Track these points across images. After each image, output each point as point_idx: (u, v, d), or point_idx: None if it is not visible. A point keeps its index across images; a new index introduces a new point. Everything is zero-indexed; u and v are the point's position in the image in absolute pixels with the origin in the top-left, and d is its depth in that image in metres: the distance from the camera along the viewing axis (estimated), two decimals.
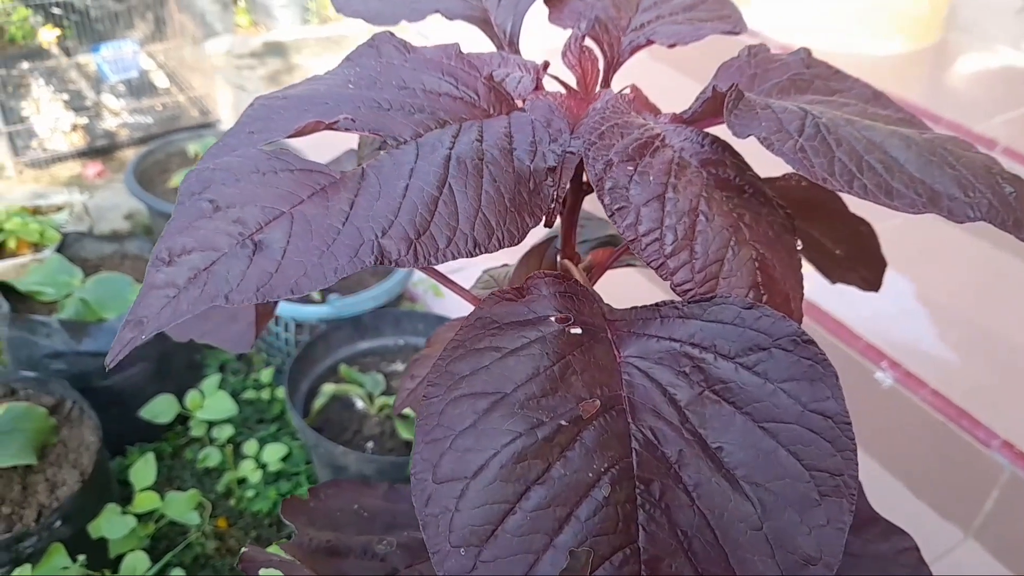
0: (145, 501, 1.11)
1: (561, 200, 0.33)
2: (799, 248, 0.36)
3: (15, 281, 1.32)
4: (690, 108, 0.35)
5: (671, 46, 0.41)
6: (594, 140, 0.32)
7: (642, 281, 1.42)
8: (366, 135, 0.32)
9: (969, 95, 2.09)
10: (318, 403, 1.20)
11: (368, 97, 0.33)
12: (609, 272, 0.45)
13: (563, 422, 0.29)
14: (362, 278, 1.48)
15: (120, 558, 1.06)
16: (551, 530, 0.27)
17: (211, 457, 1.28)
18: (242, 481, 1.27)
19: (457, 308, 1.49)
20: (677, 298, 0.32)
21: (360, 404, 1.23)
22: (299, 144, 1.50)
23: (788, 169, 0.33)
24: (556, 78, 0.40)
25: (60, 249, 1.44)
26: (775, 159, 0.31)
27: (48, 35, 2.36)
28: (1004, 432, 1.16)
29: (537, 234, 0.47)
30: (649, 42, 0.42)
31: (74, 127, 2.10)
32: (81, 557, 0.99)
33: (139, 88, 2.21)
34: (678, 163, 0.33)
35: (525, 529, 0.27)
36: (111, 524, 1.04)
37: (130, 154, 2.06)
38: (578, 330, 0.31)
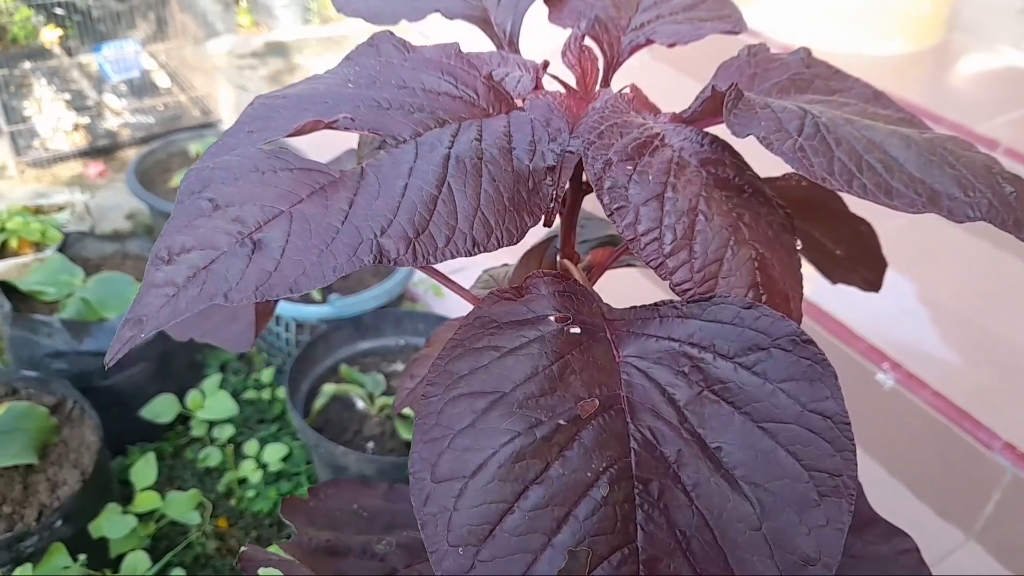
0: (146, 501, 1.11)
1: (560, 199, 0.33)
2: (799, 248, 0.36)
3: (17, 281, 1.32)
4: (690, 108, 0.35)
5: (671, 45, 0.41)
6: (593, 139, 0.32)
7: (642, 281, 1.42)
8: (365, 134, 0.32)
9: (971, 96, 2.09)
10: (319, 403, 1.20)
11: (367, 96, 0.33)
12: (609, 272, 0.45)
13: (562, 421, 0.29)
14: (363, 278, 1.48)
15: (121, 558, 1.06)
16: (549, 530, 0.27)
17: (212, 457, 1.28)
18: (243, 481, 1.27)
19: (458, 308, 1.49)
20: (676, 298, 0.32)
21: (361, 404, 1.23)
22: (300, 144, 1.51)
23: (788, 169, 0.33)
24: (556, 77, 0.40)
25: (62, 249, 1.44)
26: (775, 159, 0.31)
27: (50, 35, 2.36)
28: (1006, 434, 1.16)
29: (537, 234, 0.47)
30: (649, 41, 0.42)
31: (76, 127, 2.10)
32: (82, 557, 0.99)
33: (141, 88, 2.21)
34: (677, 162, 0.33)
35: (523, 529, 0.27)
36: (112, 524, 1.04)
37: (132, 154, 2.06)
38: (577, 330, 0.31)
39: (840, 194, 0.45)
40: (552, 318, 0.32)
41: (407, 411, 0.97)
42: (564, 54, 0.41)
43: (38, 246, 1.49)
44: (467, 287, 0.44)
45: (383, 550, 0.49)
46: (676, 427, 0.30)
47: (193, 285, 0.27)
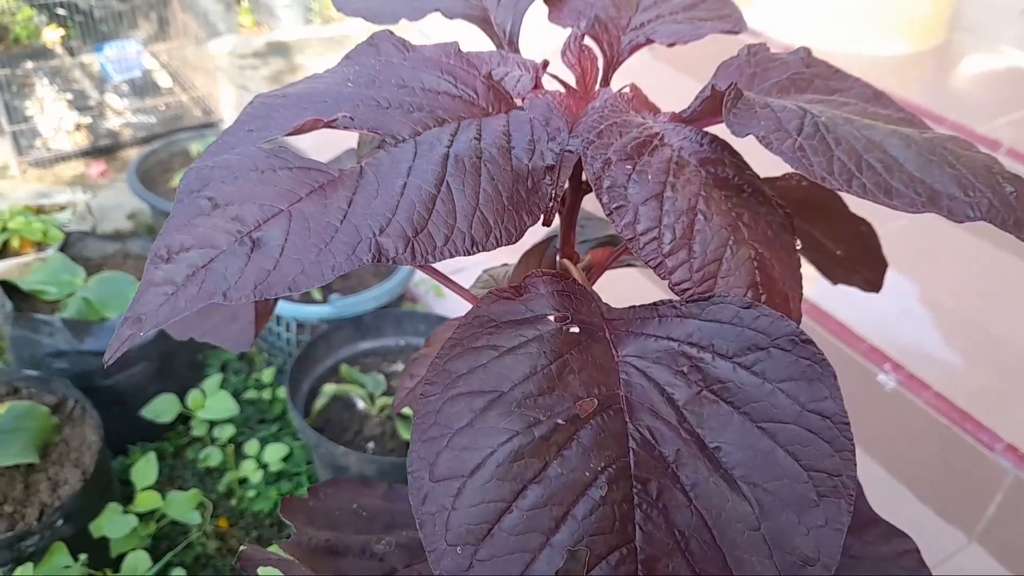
0: (146, 500, 1.11)
1: (559, 199, 0.33)
2: (798, 248, 0.36)
3: (18, 280, 1.32)
4: (689, 107, 0.35)
5: (671, 45, 0.41)
6: (592, 139, 0.32)
7: (643, 281, 1.42)
8: (365, 133, 0.32)
9: (973, 96, 2.09)
10: (319, 403, 1.20)
11: (367, 95, 0.33)
12: (609, 272, 0.44)
13: (560, 421, 0.28)
14: (364, 278, 1.48)
15: (121, 557, 1.06)
16: (547, 529, 0.27)
17: (212, 457, 1.28)
18: (243, 481, 1.27)
19: (458, 309, 1.49)
20: (675, 297, 0.32)
21: (361, 404, 1.23)
22: (301, 144, 1.51)
23: (788, 169, 0.33)
24: (555, 77, 0.40)
25: (63, 248, 1.44)
26: (776, 159, 0.31)
27: (52, 35, 2.37)
28: (1008, 435, 1.16)
29: (538, 234, 0.47)
30: (649, 41, 0.42)
31: (78, 126, 2.11)
32: (82, 556, 0.99)
33: (142, 88, 2.21)
34: (677, 162, 0.33)
35: (521, 528, 0.27)
36: (112, 523, 1.05)
37: (133, 154, 2.07)
38: (576, 329, 0.31)
39: (840, 194, 0.45)
40: (551, 317, 0.32)
41: (407, 411, 0.97)
42: (564, 53, 0.41)
43: (40, 246, 1.49)
44: (467, 287, 0.44)
45: (382, 550, 0.49)
46: (675, 427, 0.30)
47: (192, 284, 0.27)
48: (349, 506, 0.52)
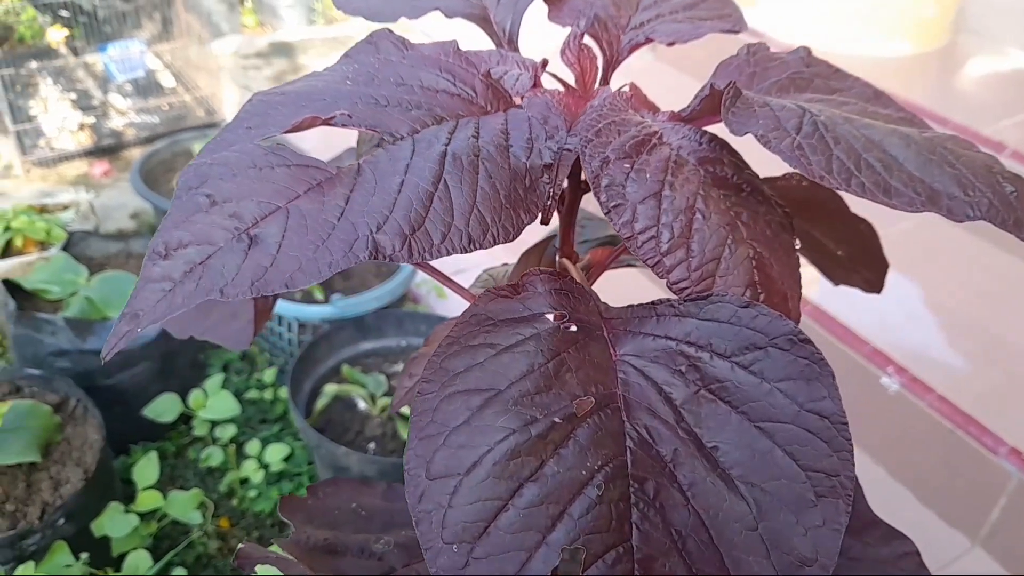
0: (148, 500, 1.11)
1: (558, 197, 0.33)
2: (798, 247, 0.35)
3: (21, 279, 1.32)
4: (688, 106, 0.35)
5: (670, 44, 0.41)
6: (591, 137, 0.32)
7: (643, 281, 1.42)
8: (363, 131, 0.32)
9: (978, 98, 2.08)
10: (320, 403, 1.20)
11: (365, 93, 0.33)
12: (609, 272, 0.44)
13: (557, 419, 0.28)
14: (365, 278, 1.48)
15: (122, 557, 1.06)
16: (544, 527, 0.27)
17: (214, 457, 1.28)
18: (244, 481, 1.27)
19: (460, 309, 1.49)
20: (674, 297, 0.32)
21: (362, 405, 1.23)
22: (304, 143, 1.51)
23: (789, 169, 0.33)
24: (555, 76, 0.40)
25: (66, 247, 1.45)
26: (777, 160, 0.31)
27: (56, 35, 2.38)
28: (1012, 439, 1.15)
29: (538, 234, 0.47)
30: (648, 40, 0.42)
31: (81, 126, 2.11)
32: (84, 555, 0.99)
33: (146, 88, 2.22)
34: (675, 161, 0.32)
35: (518, 526, 0.27)
36: (114, 522, 1.05)
37: (136, 153, 2.07)
38: (573, 327, 0.31)
39: (841, 194, 0.44)
40: (549, 316, 0.31)
41: (406, 410, 0.96)
42: (563, 52, 0.41)
43: (43, 245, 1.50)
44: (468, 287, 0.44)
45: (381, 549, 0.48)
46: (672, 426, 0.29)
47: (190, 280, 0.27)
48: (348, 505, 0.52)
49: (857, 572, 0.47)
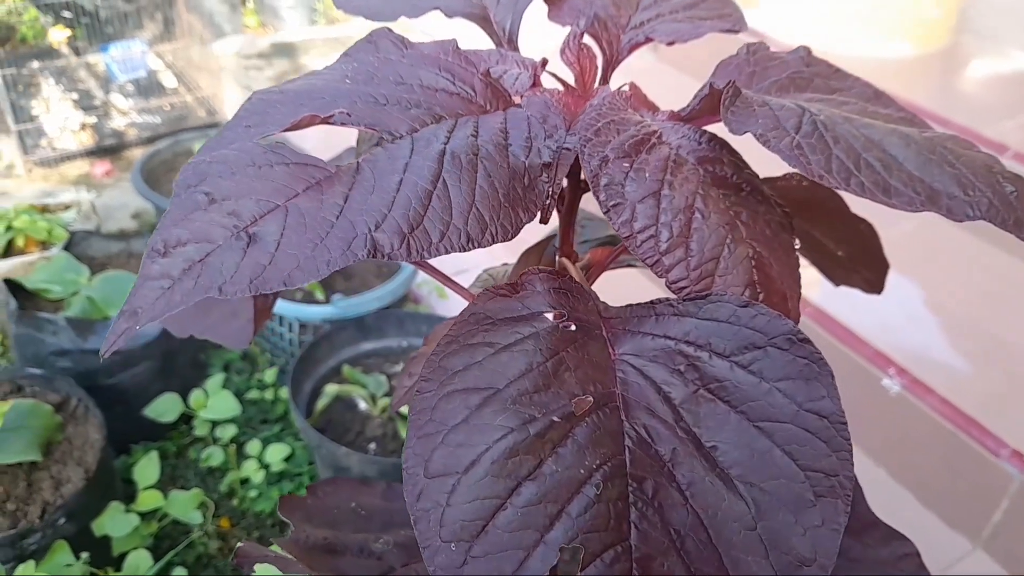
0: (148, 500, 1.11)
1: (557, 196, 0.33)
2: (798, 247, 0.35)
3: (23, 279, 1.33)
4: (688, 106, 0.35)
5: (670, 43, 0.41)
6: (590, 136, 0.32)
7: (643, 281, 1.42)
8: (362, 130, 0.32)
9: (980, 99, 2.08)
10: (321, 404, 1.20)
11: (365, 92, 0.33)
12: (609, 272, 0.44)
13: (555, 418, 0.28)
14: (366, 279, 1.48)
15: (123, 556, 1.06)
16: (542, 526, 0.27)
17: (214, 457, 1.28)
18: (245, 481, 1.27)
19: (460, 310, 1.49)
20: (673, 296, 0.32)
21: (363, 405, 1.23)
22: (305, 143, 1.51)
23: (789, 169, 0.33)
24: (554, 75, 0.40)
25: (67, 247, 1.45)
26: (777, 160, 0.31)
27: (58, 35, 2.38)
28: (1014, 441, 1.15)
29: (539, 234, 0.47)
30: (648, 39, 0.42)
31: (83, 126, 2.12)
32: (84, 555, 0.99)
33: (147, 88, 2.22)
34: (674, 160, 0.32)
35: (516, 525, 0.27)
36: (114, 522, 1.05)
37: (138, 153, 2.08)
38: (572, 326, 0.31)
39: (842, 194, 0.44)
40: (548, 315, 0.31)
41: (407, 410, 0.96)
42: (563, 52, 0.41)
43: (44, 244, 1.50)
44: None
45: (380, 548, 0.48)
46: (671, 425, 0.29)
47: (188, 278, 0.27)
48: (347, 504, 0.52)
49: (857, 573, 0.47)
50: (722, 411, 0.30)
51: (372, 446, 1.18)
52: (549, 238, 0.48)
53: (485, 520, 0.27)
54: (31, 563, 0.96)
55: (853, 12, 2.19)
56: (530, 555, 0.26)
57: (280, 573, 0.44)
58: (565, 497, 0.27)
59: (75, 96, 2.22)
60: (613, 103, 0.35)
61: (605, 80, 0.42)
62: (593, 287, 0.39)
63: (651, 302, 0.32)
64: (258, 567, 0.44)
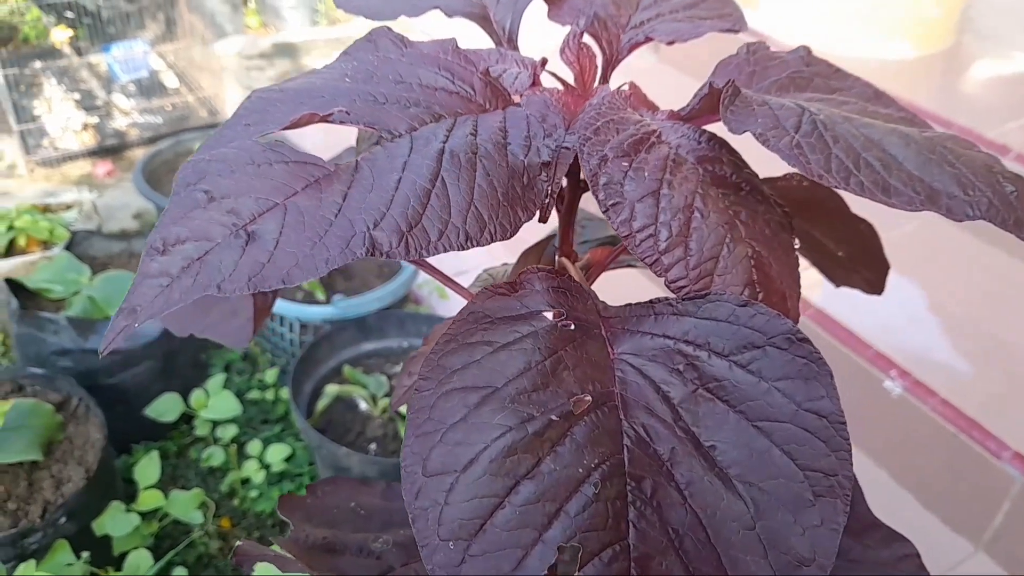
0: (149, 499, 1.11)
1: (556, 196, 0.33)
2: (798, 247, 0.35)
3: (24, 278, 1.33)
4: (687, 105, 0.35)
5: (670, 43, 0.41)
6: (589, 135, 0.32)
7: (643, 281, 1.42)
8: (361, 128, 0.32)
9: (982, 100, 2.07)
10: (322, 404, 1.20)
11: (364, 91, 0.33)
12: (609, 272, 0.44)
13: (554, 417, 0.28)
14: (367, 279, 1.48)
15: (124, 556, 1.07)
16: (540, 525, 0.27)
17: (215, 457, 1.28)
18: (245, 481, 1.27)
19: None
20: (672, 295, 0.32)
21: (363, 405, 1.23)
22: (305, 142, 1.51)
23: (789, 169, 0.32)
24: (554, 75, 0.40)
25: (69, 247, 1.45)
26: (777, 160, 0.31)
27: (60, 35, 2.38)
28: (1015, 443, 1.15)
29: (539, 233, 0.47)
30: (648, 39, 0.42)
31: (85, 126, 2.12)
32: (85, 554, 0.99)
33: (149, 88, 2.23)
34: (674, 159, 0.32)
35: (514, 524, 0.27)
36: (115, 522, 1.05)
37: (139, 153, 2.08)
38: (571, 326, 0.31)
39: (842, 194, 0.44)
40: (547, 314, 0.31)
41: (405, 410, 0.96)
42: (562, 51, 0.41)
43: (46, 244, 1.50)
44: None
45: (380, 548, 0.48)
46: (670, 425, 0.29)
47: (187, 276, 0.27)
48: (347, 504, 0.52)
49: (857, 574, 0.46)
50: (721, 410, 0.30)
51: (373, 446, 1.18)
52: (549, 238, 0.48)
53: (483, 519, 0.27)
54: (32, 562, 0.96)
55: (853, 12, 2.18)
56: (528, 554, 0.26)
57: (280, 572, 0.44)
58: (563, 496, 0.27)
59: (77, 96, 2.22)
60: (612, 102, 0.35)
61: (605, 79, 0.42)
62: (593, 287, 0.39)
63: (650, 301, 0.32)
64: (258, 566, 0.44)
